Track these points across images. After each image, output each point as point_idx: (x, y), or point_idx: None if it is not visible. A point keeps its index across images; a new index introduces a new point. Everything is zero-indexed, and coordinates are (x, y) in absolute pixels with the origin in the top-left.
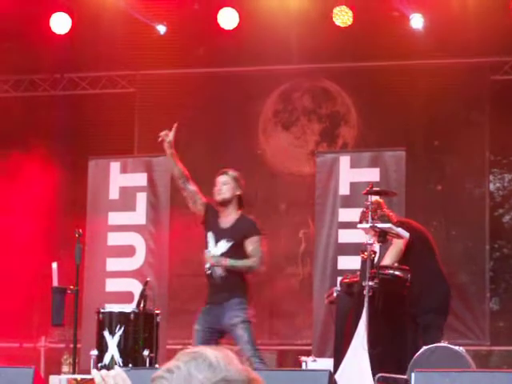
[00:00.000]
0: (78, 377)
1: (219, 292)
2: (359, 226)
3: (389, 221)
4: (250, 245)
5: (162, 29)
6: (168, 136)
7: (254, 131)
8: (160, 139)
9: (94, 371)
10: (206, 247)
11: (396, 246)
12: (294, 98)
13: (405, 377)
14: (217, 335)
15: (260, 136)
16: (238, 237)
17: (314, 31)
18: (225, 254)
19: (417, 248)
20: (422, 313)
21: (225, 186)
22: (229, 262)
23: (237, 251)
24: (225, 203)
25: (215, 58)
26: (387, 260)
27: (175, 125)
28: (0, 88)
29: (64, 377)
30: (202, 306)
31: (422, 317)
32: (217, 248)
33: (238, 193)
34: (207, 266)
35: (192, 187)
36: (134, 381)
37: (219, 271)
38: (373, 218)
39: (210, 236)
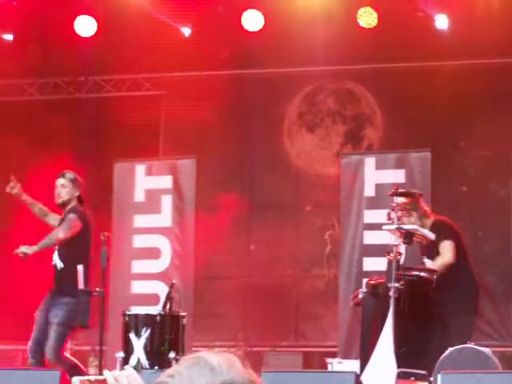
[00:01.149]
0: (92, 378)
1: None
2: (385, 227)
3: (425, 217)
4: None
5: (186, 31)
6: (14, 189)
7: (278, 133)
8: (9, 191)
9: (106, 371)
10: None
11: (446, 258)
12: (319, 100)
13: (424, 372)
14: None
15: (285, 138)
16: None
17: (338, 33)
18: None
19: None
20: (451, 313)
21: (63, 188)
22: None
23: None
24: (64, 205)
25: (240, 60)
26: (442, 260)
27: (12, 177)
28: (25, 91)
29: (77, 378)
30: (227, 308)
31: (451, 317)
32: None
33: (76, 194)
34: None
35: (51, 217)
36: None
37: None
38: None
39: None
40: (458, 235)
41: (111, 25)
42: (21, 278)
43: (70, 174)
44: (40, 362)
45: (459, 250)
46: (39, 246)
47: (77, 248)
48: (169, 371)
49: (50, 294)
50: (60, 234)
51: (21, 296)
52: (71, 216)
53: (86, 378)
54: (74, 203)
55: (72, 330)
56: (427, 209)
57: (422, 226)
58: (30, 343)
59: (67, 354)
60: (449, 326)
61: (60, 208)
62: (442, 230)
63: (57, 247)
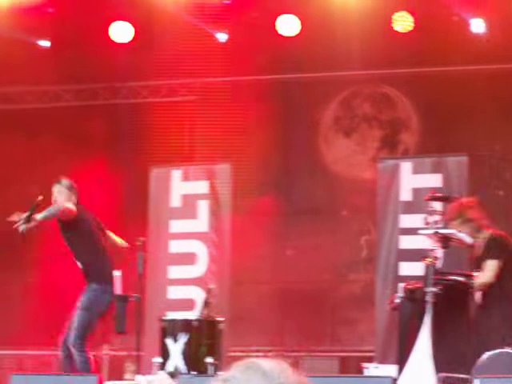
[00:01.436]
0: (126, 382)
1: None
2: (421, 231)
3: (480, 230)
4: None
5: (222, 37)
6: (20, 228)
7: (315, 138)
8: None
9: (138, 376)
10: None
11: (485, 277)
12: (355, 105)
13: (467, 376)
14: None
15: (321, 143)
16: None
17: (374, 37)
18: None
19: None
20: (493, 320)
21: (59, 195)
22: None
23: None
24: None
25: (276, 65)
26: (481, 279)
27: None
28: (62, 97)
29: (110, 383)
30: (264, 313)
31: (491, 323)
32: None
33: (74, 200)
34: None
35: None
36: None
37: None
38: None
39: None
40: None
41: (147, 31)
42: (55, 285)
43: (65, 181)
44: (69, 356)
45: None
46: (39, 218)
47: (82, 243)
48: (223, 376)
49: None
50: (58, 206)
51: (55, 302)
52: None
53: (120, 382)
54: None
55: (96, 316)
56: (483, 221)
57: (476, 237)
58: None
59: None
60: (486, 330)
61: None
62: (492, 249)
63: (71, 251)
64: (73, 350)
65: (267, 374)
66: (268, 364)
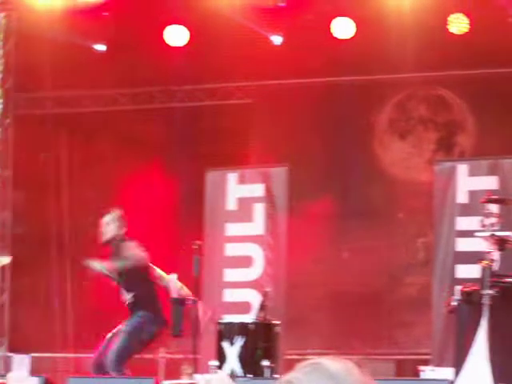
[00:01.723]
0: (184, 381)
1: None
2: (478, 234)
3: None
4: None
5: (277, 39)
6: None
7: (370, 140)
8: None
9: (197, 375)
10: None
11: None
12: (410, 107)
13: None
14: None
15: (377, 145)
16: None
17: (429, 39)
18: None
19: None
20: None
21: (108, 226)
22: None
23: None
24: (108, 243)
25: (331, 67)
26: None
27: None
28: (118, 101)
29: (167, 382)
30: (320, 316)
31: None
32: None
33: (122, 231)
34: None
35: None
36: None
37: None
38: None
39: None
40: None
41: (203, 34)
42: (111, 288)
43: (116, 212)
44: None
45: None
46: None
47: (139, 275)
48: (286, 377)
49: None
50: (137, 256)
51: (111, 304)
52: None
53: (175, 382)
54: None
55: (139, 344)
56: None
57: None
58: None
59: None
60: None
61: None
62: None
63: (123, 282)
64: (112, 374)
65: (334, 375)
66: (334, 365)
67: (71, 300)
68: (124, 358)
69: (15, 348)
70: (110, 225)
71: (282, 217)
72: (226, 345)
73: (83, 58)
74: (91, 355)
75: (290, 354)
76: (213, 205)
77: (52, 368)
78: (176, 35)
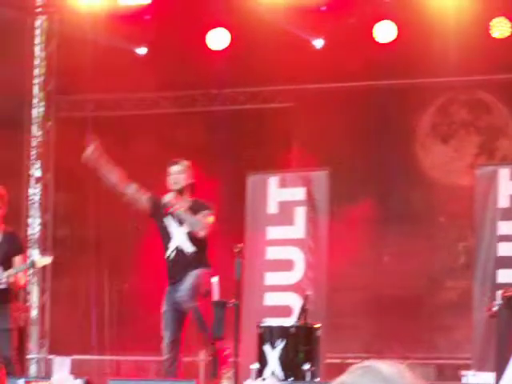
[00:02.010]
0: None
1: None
2: None
3: None
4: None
5: (319, 43)
6: (87, 156)
7: (412, 144)
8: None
9: (247, 382)
10: (168, 233)
11: None
12: (452, 111)
13: None
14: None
15: (418, 149)
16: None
17: (471, 43)
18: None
19: None
20: None
21: (179, 175)
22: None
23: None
24: (180, 192)
25: (372, 71)
26: None
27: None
28: (160, 104)
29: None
30: (360, 320)
31: None
32: (183, 227)
33: (191, 181)
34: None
35: (131, 187)
36: None
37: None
38: None
39: (171, 219)
40: None
41: (244, 37)
42: (150, 291)
43: (185, 161)
44: (175, 357)
45: None
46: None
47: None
48: (339, 380)
49: (171, 285)
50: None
51: (153, 307)
52: (208, 210)
53: None
54: (188, 192)
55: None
56: None
57: None
58: (167, 340)
59: None
60: None
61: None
62: None
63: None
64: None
65: (387, 378)
66: (387, 368)
67: (109, 303)
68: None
69: (55, 350)
70: (181, 174)
71: (322, 220)
72: (267, 348)
73: (125, 60)
74: (133, 358)
75: (331, 358)
76: (254, 208)
77: (90, 370)
78: (217, 38)
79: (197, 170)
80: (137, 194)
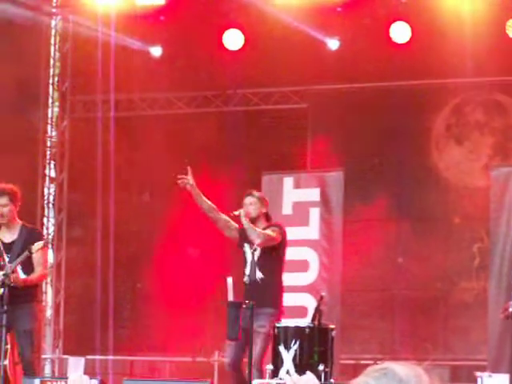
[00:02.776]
0: (272, 381)
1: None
2: None
3: None
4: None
5: (334, 43)
6: (187, 180)
7: (426, 145)
8: (181, 185)
9: (285, 375)
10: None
11: None
12: (467, 112)
13: None
14: None
15: (433, 150)
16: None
17: (486, 44)
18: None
19: None
20: None
21: (251, 206)
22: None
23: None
24: (252, 221)
25: (387, 72)
26: None
27: (188, 167)
28: (174, 105)
29: (257, 381)
30: (374, 321)
31: None
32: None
33: (264, 211)
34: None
35: (223, 217)
36: None
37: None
38: None
39: (247, 247)
40: None
41: (258, 38)
42: (165, 291)
43: (257, 193)
44: (239, 370)
45: None
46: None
47: (276, 261)
48: (355, 382)
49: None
50: (271, 233)
51: (168, 310)
52: (277, 227)
53: (265, 381)
54: (262, 220)
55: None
56: None
57: None
58: (230, 359)
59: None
60: None
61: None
62: None
63: (256, 260)
64: (256, 368)
65: (403, 381)
66: (403, 370)
67: (123, 302)
68: (264, 354)
69: (69, 350)
70: (252, 205)
71: (337, 221)
72: (281, 349)
73: (140, 61)
74: (147, 358)
75: (345, 359)
76: (269, 208)
77: (107, 371)
78: (232, 39)
79: (211, 171)
80: (228, 223)
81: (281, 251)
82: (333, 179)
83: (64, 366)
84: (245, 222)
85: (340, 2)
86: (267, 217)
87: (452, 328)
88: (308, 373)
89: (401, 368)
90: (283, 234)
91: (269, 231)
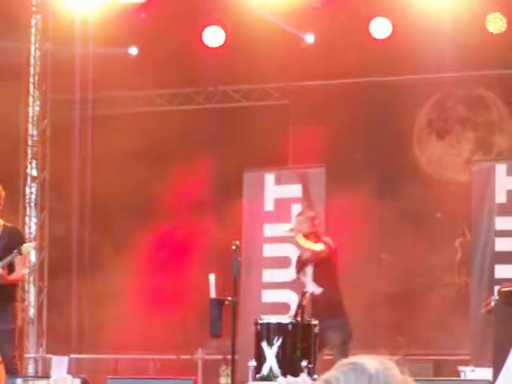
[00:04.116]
0: None
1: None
2: None
3: None
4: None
5: (312, 39)
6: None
7: (408, 140)
8: None
9: (280, 378)
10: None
11: None
12: (449, 107)
13: None
14: None
15: (415, 145)
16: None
17: (467, 38)
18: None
19: None
20: None
21: (301, 225)
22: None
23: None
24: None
25: (368, 67)
26: None
27: None
28: (156, 102)
29: None
30: (357, 316)
31: None
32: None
33: (315, 229)
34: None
35: None
36: None
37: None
38: None
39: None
40: None
41: (239, 35)
42: (150, 291)
43: (307, 213)
44: None
45: None
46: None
47: (330, 272)
48: (326, 376)
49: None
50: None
51: (151, 308)
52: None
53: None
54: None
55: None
56: None
57: None
58: None
59: None
60: None
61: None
62: None
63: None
64: None
65: (372, 377)
66: (373, 364)
67: (105, 301)
68: None
69: (53, 349)
70: (302, 224)
71: (319, 217)
72: (264, 345)
73: (120, 59)
74: (131, 356)
75: (329, 355)
76: (250, 205)
77: (91, 369)
78: (213, 36)
79: (191, 168)
80: None
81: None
82: (314, 175)
83: (47, 365)
84: (296, 238)
85: None
86: (317, 235)
87: (434, 323)
88: (302, 375)
89: (371, 362)
90: (328, 246)
91: (316, 245)
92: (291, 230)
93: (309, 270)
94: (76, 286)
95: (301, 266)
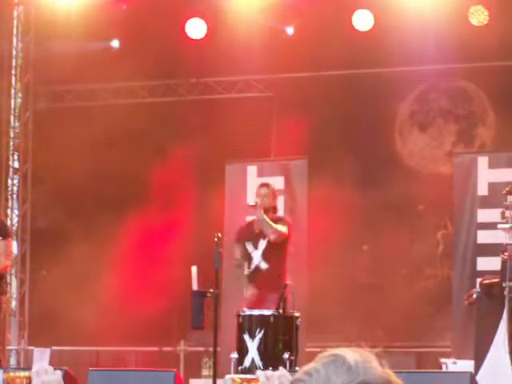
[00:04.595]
0: (241, 376)
1: None
2: (500, 226)
3: None
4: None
5: (296, 32)
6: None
7: (390, 132)
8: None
9: (258, 371)
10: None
11: None
12: (431, 99)
13: None
14: None
15: (397, 137)
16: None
17: (449, 31)
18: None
19: None
20: None
21: (265, 197)
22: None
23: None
24: (266, 211)
25: (351, 59)
26: None
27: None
28: (137, 93)
29: (229, 377)
30: (340, 308)
31: None
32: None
33: (274, 203)
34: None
35: None
36: None
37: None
38: None
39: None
40: None
41: (221, 27)
42: (130, 285)
43: (271, 185)
44: None
45: None
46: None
47: (282, 252)
48: (306, 368)
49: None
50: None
51: (133, 300)
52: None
53: (235, 376)
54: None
55: None
56: None
57: None
58: None
59: None
60: None
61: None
62: None
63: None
64: None
65: (352, 369)
66: (354, 358)
67: (88, 294)
68: None
69: (36, 341)
70: (266, 196)
71: (301, 209)
72: (246, 337)
73: (102, 50)
74: (112, 348)
75: (311, 347)
76: (233, 197)
77: (73, 361)
78: (195, 28)
79: (174, 160)
80: None
81: (286, 245)
82: (297, 167)
83: (29, 357)
84: (261, 214)
85: None
86: (275, 208)
87: (417, 315)
88: (281, 368)
89: (351, 354)
90: (290, 229)
91: (280, 226)
92: (256, 203)
93: (262, 244)
94: (58, 278)
95: (253, 237)
